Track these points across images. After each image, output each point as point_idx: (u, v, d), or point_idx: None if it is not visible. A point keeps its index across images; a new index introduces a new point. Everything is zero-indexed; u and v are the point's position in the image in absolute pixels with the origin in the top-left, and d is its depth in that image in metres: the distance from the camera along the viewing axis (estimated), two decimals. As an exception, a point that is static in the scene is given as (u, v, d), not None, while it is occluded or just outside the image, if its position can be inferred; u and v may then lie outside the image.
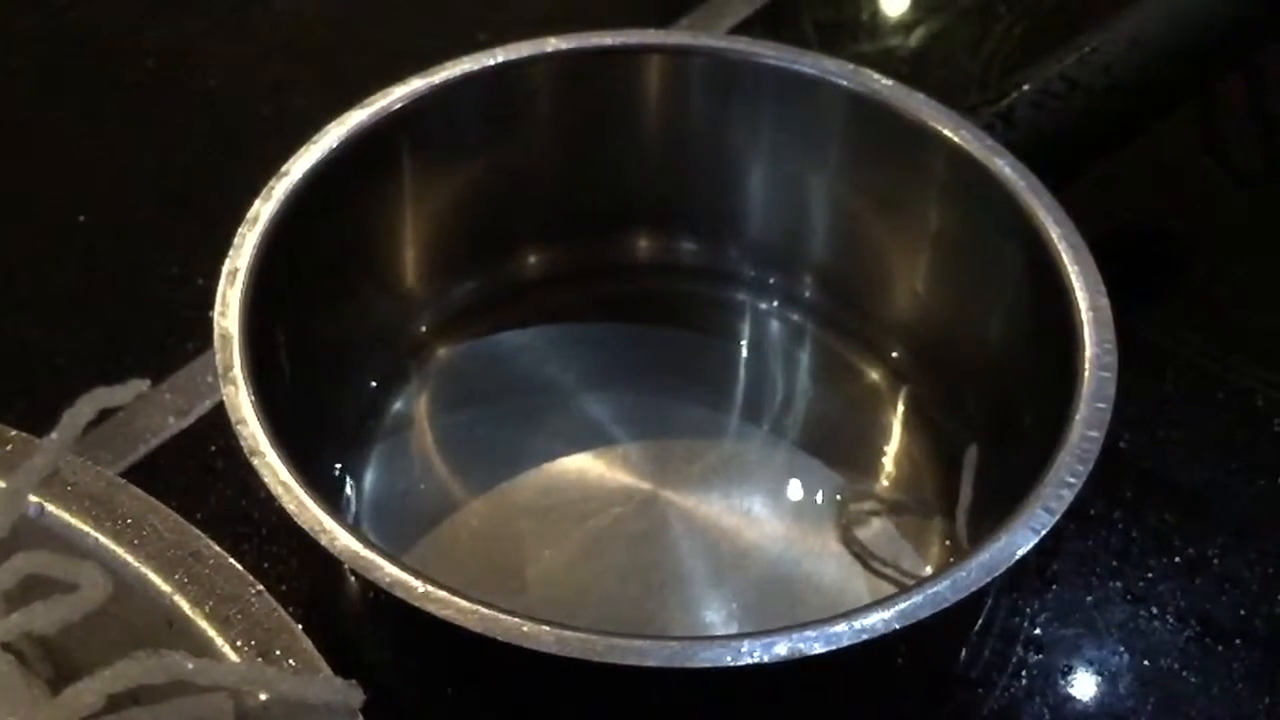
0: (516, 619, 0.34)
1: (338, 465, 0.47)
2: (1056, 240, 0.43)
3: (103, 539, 0.32)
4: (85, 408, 0.31)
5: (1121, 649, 0.45)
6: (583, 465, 0.48)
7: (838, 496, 0.47)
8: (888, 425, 0.50)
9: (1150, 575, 0.47)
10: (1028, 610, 0.45)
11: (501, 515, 0.47)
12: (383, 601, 0.35)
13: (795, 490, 0.47)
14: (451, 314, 0.51)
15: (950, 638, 0.44)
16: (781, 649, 0.34)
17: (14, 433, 0.34)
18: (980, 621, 0.45)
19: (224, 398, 0.38)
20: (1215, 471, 0.50)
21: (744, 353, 0.52)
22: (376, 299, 0.50)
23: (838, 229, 0.51)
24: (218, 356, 0.39)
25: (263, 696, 0.30)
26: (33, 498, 0.32)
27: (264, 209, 0.43)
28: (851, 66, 0.48)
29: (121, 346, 0.53)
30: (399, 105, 0.46)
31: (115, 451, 0.48)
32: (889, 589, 0.44)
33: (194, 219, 0.57)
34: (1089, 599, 0.46)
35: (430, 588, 0.35)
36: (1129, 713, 0.43)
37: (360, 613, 0.43)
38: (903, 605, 0.35)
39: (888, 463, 0.49)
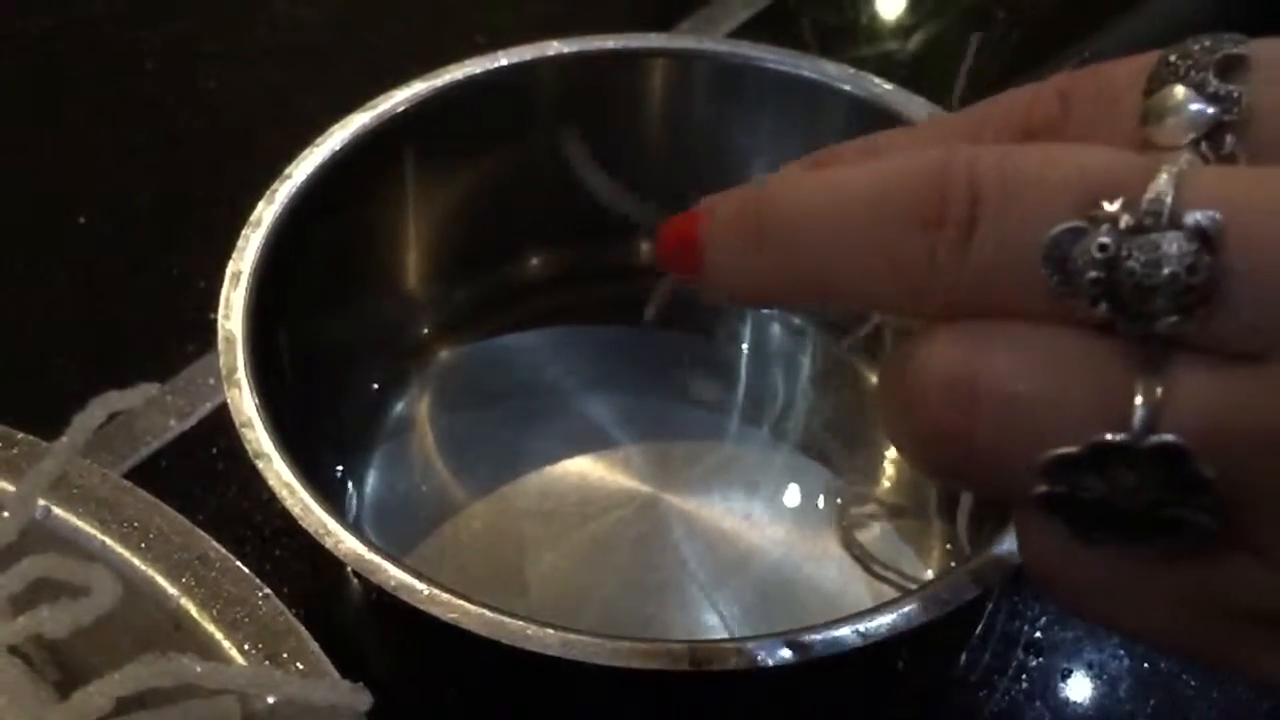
0: (521, 622, 0.34)
1: (339, 468, 0.47)
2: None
3: (110, 542, 0.32)
4: (96, 411, 0.31)
5: (1121, 652, 0.45)
6: (584, 468, 0.48)
7: (838, 500, 0.47)
8: (889, 428, 0.50)
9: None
10: (1028, 613, 0.46)
11: (503, 517, 0.47)
12: (386, 604, 0.35)
13: (796, 493, 0.47)
14: (453, 316, 0.52)
15: (951, 641, 0.45)
16: (784, 652, 0.34)
17: (20, 435, 0.34)
18: (981, 625, 0.45)
19: (228, 400, 0.38)
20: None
21: (745, 355, 0.52)
22: (379, 301, 0.50)
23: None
24: (221, 359, 0.39)
25: (270, 699, 0.30)
26: (40, 500, 0.32)
27: (266, 211, 0.43)
28: (852, 70, 0.48)
29: (122, 349, 0.53)
30: (402, 108, 0.46)
31: (116, 453, 0.48)
32: (890, 592, 0.44)
33: (194, 221, 0.57)
34: (1089, 602, 0.46)
35: (434, 590, 0.35)
36: (1128, 716, 0.44)
37: (363, 615, 0.43)
38: (904, 609, 0.35)
39: (888, 466, 0.49)
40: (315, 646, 0.31)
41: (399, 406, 0.49)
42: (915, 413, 0.23)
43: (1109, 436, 0.21)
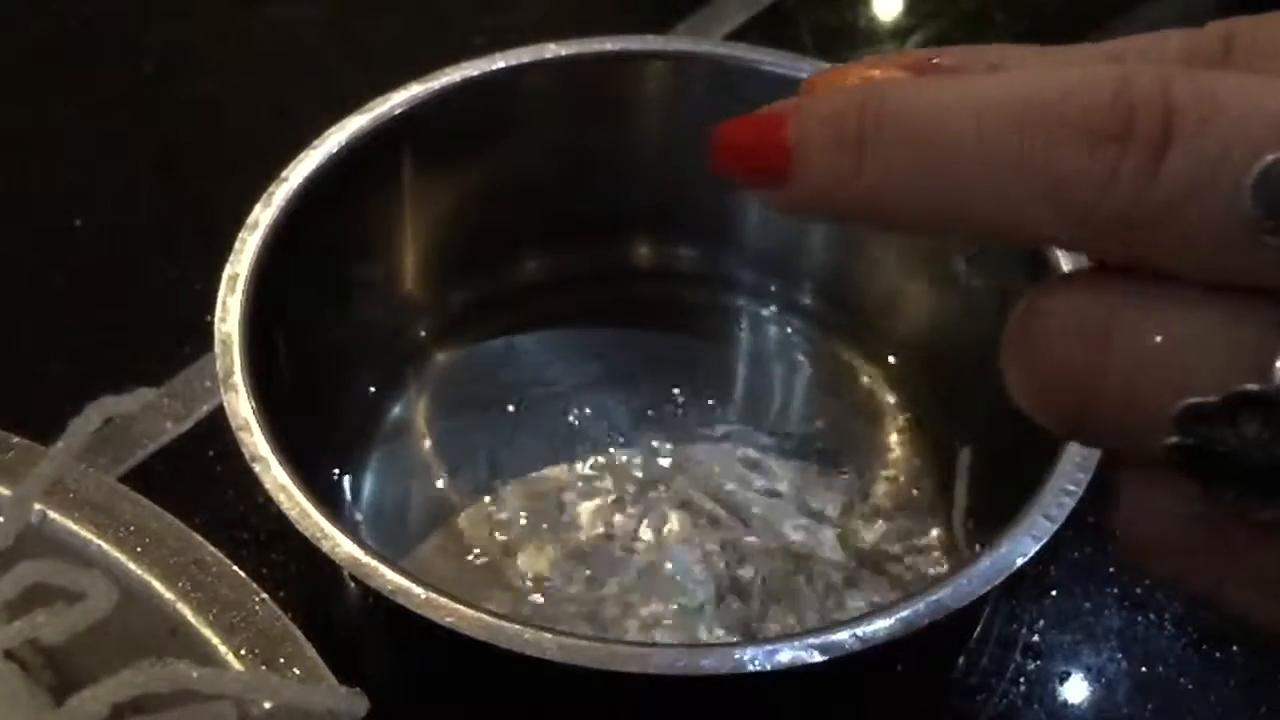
0: (519, 626, 0.34)
1: (336, 471, 0.47)
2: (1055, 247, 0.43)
3: (106, 546, 0.32)
4: (92, 415, 0.31)
5: (1119, 655, 0.45)
6: (581, 470, 0.48)
7: (836, 502, 0.47)
8: (886, 431, 0.50)
9: (1147, 582, 0.47)
10: (1026, 617, 0.46)
11: (500, 520, 0.47)
12: (384, 608, 0.35)
13: (793, 496, 0.47)
14: (450, 319, 0.52)
15: (949, 644, 0.45)
16: (783, 656, 0.34)
17: (16, 439, 0.34)
18: (979, 628, 0.45)
19: (225, 404, 0.38)
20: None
21: (743, 358, 0.52)
22: (375, 304, 0.50)
23: (836, 235, 0.51)
24: (218, 362, 0.39)
25: (267, 704, 0.30)
26: (35, 505, 0.32)
27: (263, 214, 0.43)
28: (850, 73, 0.48)
29: (119, 351, 0.52)
30: (399, 110, 0.46)
31: (113, 457, 0.48)
32: (888, 596, 0.44)
33: (191, 224, 0.57)
34: (1087, 605, 0.46)
35: (431, 594, 0.35)
36: (1126, 719, 0.44)
37: (360, 619, 0.43)
38: (903, 613, 0.35)
39: (886, 468, 0.49)
40: (312, 651, 0.31)
41: (396, 409, 0.49)
42: (1042, 358, 0.22)
43: (1248, 386, 0.20)
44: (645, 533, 0.46)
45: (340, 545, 0.35)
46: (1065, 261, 0.42)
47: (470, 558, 0.46)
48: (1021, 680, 0.44)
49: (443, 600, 0.34)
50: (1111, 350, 0.21)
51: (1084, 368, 0.21)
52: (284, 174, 0.44)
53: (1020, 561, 0.36)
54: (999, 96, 0.21)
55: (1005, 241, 0.23)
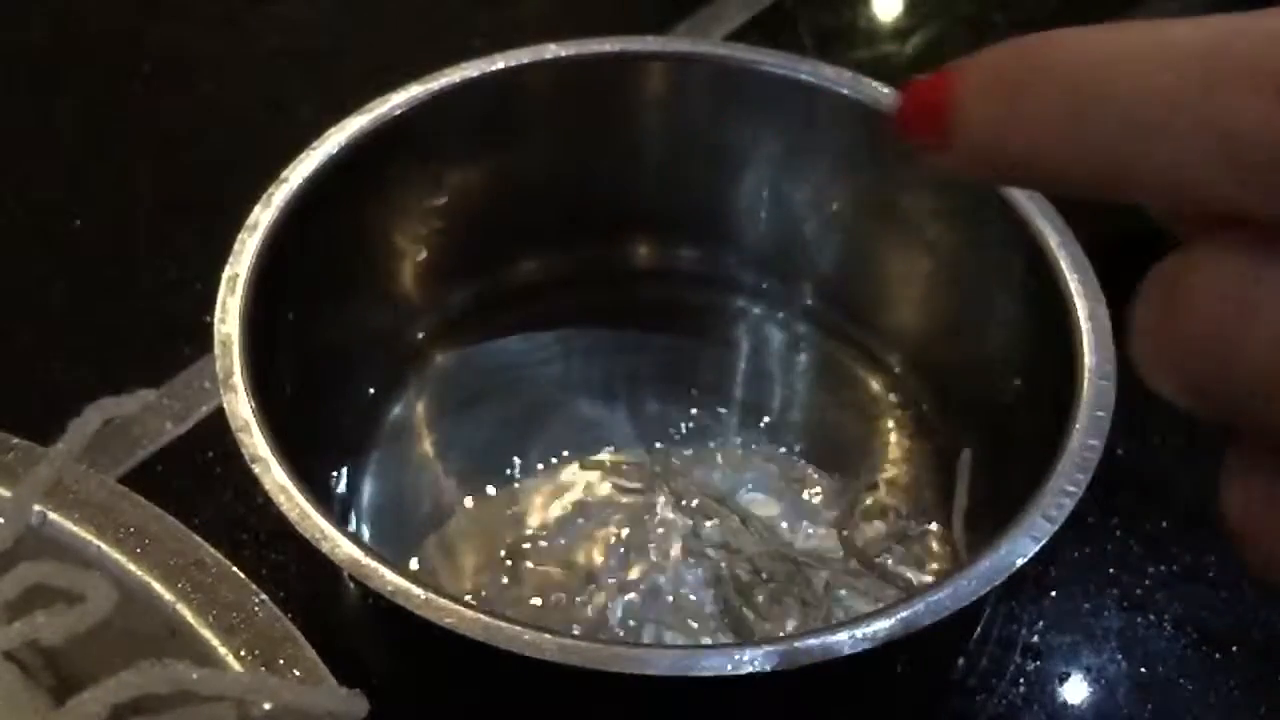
0: (518, 627, 0.34)
1: (335, 472, 0.47)
2: (1055, 249, 0.43)
3: (105, 547, 0.32)
4: (92, 416, 0.30)
5: (1119, 656, 0.45)
6: (581, 471, 0.48)
7: (836, 504, 0.47)
8: (886, 432, 0.50)
9: (1147, 583, 0.47)
10: (1025, 617, 0.46)
11: (500, 521, 0.47)
12: (383, 609, 0.35)
13: (794, 497, 0.47)
14: (450, 320, 0.52)
15: (949, 645, 0.45)
16: (781, 658, 0.34)
17: (16, 440, 0.34)
18: (978, 629, 0.45)
19: (224, 405, 0.38)
20: (1212, 479, 0.50)
21: (743, 359, 0.52)
22: (375, 305, 0.50)
23: (837, 237, 0.51)
24: (218, 364, 0.39)
25: (266, 706, 0.30)
26: (35, 506, 0.32)
27: (263, 215, 0.43)
28: (850, 74, 0.48)
29: (118, 352, 0.53)
30: (399, 111, 0.46)
31: (112, 457, 0.48)
32: (888, 596, 0.44)
33: (191, 224, 0.57)
34: (1086, 606, 0.46)
35: (431, 595, 0.34)
36: (1126, 720, 0.44)
37: (360, 620, 0.43)
38: (903, 614, 0.35)
39: (886, 470, 0.49)
40: (312, 652, 0.31)
41: (396, 410, 0.49)
42: (1180, 321, 0.20)
43: None
44: (645, 533, 0.46)
45: (340, 546, 0.35)
46: (1068, 266, 0.42)
47: (470, 559, 0.46)
48: (1021, 681, 0.44)
49: (442, 601, 0.34)
50: (1258, 317, 0.19)
51: (1226, 334, 0.19)
52: (284, 174, 0.44)
53: (1020, 562, 0.36)
54: (1178, 41, 0.20)
55: (1169, 202, 0.22)
